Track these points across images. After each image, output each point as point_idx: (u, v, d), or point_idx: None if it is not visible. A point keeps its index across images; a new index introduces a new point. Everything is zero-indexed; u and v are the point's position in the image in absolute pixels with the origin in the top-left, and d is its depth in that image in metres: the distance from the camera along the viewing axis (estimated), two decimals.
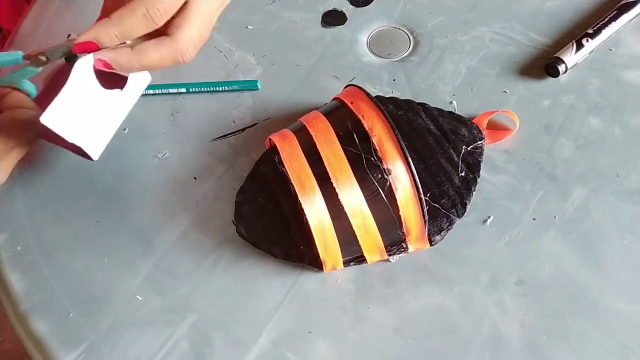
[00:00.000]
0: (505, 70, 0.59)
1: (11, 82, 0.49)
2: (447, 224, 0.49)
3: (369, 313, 0.47)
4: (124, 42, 0.44)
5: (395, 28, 0.64)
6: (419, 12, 0.64)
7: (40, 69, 0.48)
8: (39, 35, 0.65)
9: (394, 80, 0.59)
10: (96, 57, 0.44)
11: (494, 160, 0.53)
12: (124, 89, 0.49)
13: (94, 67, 0.45)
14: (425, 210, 0.46)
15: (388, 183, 0.45)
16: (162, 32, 0.45)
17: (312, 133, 0.47)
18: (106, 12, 0.45)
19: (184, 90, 0.59)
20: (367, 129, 0.46)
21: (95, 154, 0.49)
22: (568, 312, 0.46)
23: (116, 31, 0.43)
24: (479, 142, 0.52)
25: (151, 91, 0.59)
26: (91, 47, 0.43)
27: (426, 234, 0.47)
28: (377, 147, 0.45)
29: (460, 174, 0.50)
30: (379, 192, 0.45)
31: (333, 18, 0.65)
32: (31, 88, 0.50)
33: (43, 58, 0.46)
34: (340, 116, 0.48)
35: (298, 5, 0.66)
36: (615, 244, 0.49)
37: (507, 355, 0.44)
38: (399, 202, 0.45)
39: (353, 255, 0.47)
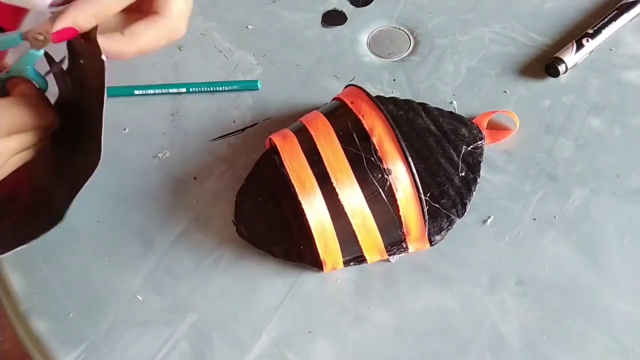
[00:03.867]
0: (505, 71, 0.59)
1: (19, 72, 0.46)
2: (447, 223, 0.49)
3: (369, 313, 0.47)
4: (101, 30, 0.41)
5: (396, 28, 0.64)
6: (419, 12, 0.64)
7: (42, 51, 0.45)
8: None
9: (394, 80, 0.59)
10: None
11: (494, 160, 0.53)
12: None
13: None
14: (426, 210, 0.46)
15: (388, 183, 0.45)
16: (146, 10, 0.42)
17: (312, 133, 0.47)
18: None
19: (184, 90, 0.59)
20: (367, 129, 0.46)
21: None
22: (568, 312, 0.46)
23: (93, 11, 0.40)
24: (479, 142, 0.52)
25: (151, 91, 0.59)
26: (71, 33, 0.41)
27: (426, 234, 0.47)
28: (377, 147, 0.45)
29: (460, 174, 0.50)
30: (379, 192, 0.45)
31: (333, 18, 0.65)
32: (38, 77, 0.47)
33: (40, 37, 0.43)
34: (341, 116, 0.48)
35: (298, 5, 0.66)
36: (615, 244, 0.49)
37: (507, 355, 0.44)
38: (399, 202, 0.45)
39: (353, 255, 0.47)
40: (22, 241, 0.48)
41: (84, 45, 0.42)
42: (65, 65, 0.48)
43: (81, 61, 0.43)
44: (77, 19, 0.40)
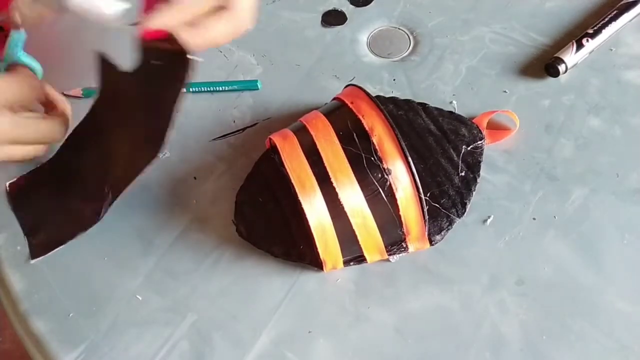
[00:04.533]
0: (505, 70, 0.59)
1: (12, 58, 0.49)
2: (447, 223, 0.49)
3: (369, 313, 0.47)
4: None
5: (395, 28, 0.64)
6: (419, 12, 0.64)
7: (23, 32, 0.47)
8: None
9: (394, 80, 0.59)
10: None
11: (494, 160, 0.53)
12: None
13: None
14: (425, 210, 0.46)
15: (388, 183, 0.45)
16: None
17: (312, 133, 0.47)
18: None
19: (184, 90, 0.59)
20: (367, 128, 0.46)
21: None
22: (568, 312, 0.46)
23: (184, 18, 0.43)
24: (479, 142, 0.52)
25: None
26: (159, 34, 0.43)
27: (426, 233, 0.47)
28: (377, 147, 0.45)
29: (460, 174, 0.50)
30: (379, 192, 0.45)
31: (333, 18, 0.65)
32: (31, 60, 0.49)
33: (17, 18, 0.44)
34: (341, 116, 0.48)
35: (298, 5, 0.66)
36: (615, 244, 0.49)
37: (507, 355, 0.44)
38: (399, 202, 0.45)
39: (353, 255, 0.47)
40: (59, 242, 0.50)
41: (160, 48, 0.43)
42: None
43: (152, 62, 0.44)
44: (169, 24, 0.42)
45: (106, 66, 0.49)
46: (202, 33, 0.43)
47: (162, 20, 0.42)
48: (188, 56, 0.42)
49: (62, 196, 0.52)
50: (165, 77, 0.44)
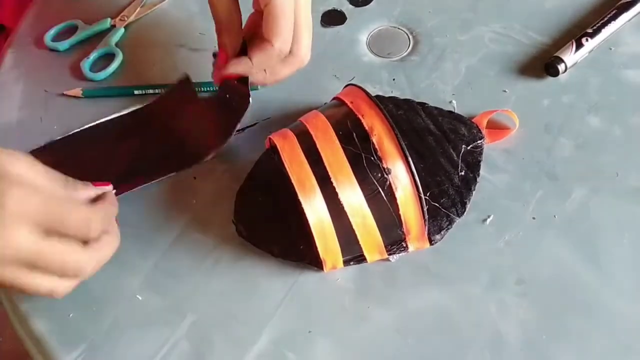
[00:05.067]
0: (504, 70, 0.59)
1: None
2: (447, 223, 0.49)
3: (369, 312, 0.47)
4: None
5: (395, 28, 0.64)
6: (419, 11, 0.64)
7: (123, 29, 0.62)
8: (38, 32, 0.65)
9: (393, 79, 0.59)
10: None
11: (493, 160, 0.53)
12: None
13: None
14: (425, 209, 0.46)
15: (388, 182, 0.45)
16: (260, 35, 0.50)
17: (312, 132, 0.47)
18: (249, 26, 0.53)
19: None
20: (367, 128, 0.46)
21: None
22: (568, 311, 0.46)
23: (260, 69, 0.52)
24: (479, 142, 0.52)
25: (151, 91, 0.59)
26: (236, 76, 0.52)
27: (426, 233, 0.47)
28: (377, 147, 0.45)
29: (460, 173, 0.50)
30: (379, 192, 0.45)
31: (333, 18, 0.65)
32: (119, 54, 0.62)
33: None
34: (340, 115, 0.48)
35: None
36: (615, 243, 0.49)
37: (507, 355, 0.44)
38: (398, 202, 0.45)
39: (353, 254, 0.47)
40: None
41: (236, 86, 0.53)
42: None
43: (227, 96, 0.54)
44: (248, 72, 0.52)
45: (185, 86, 0.56)
46: (272, 76, 0.53)
47: (244, 68, 0.51)
48: (250, 100, 0.53)
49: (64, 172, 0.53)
50: (230, 108, 0.54)
